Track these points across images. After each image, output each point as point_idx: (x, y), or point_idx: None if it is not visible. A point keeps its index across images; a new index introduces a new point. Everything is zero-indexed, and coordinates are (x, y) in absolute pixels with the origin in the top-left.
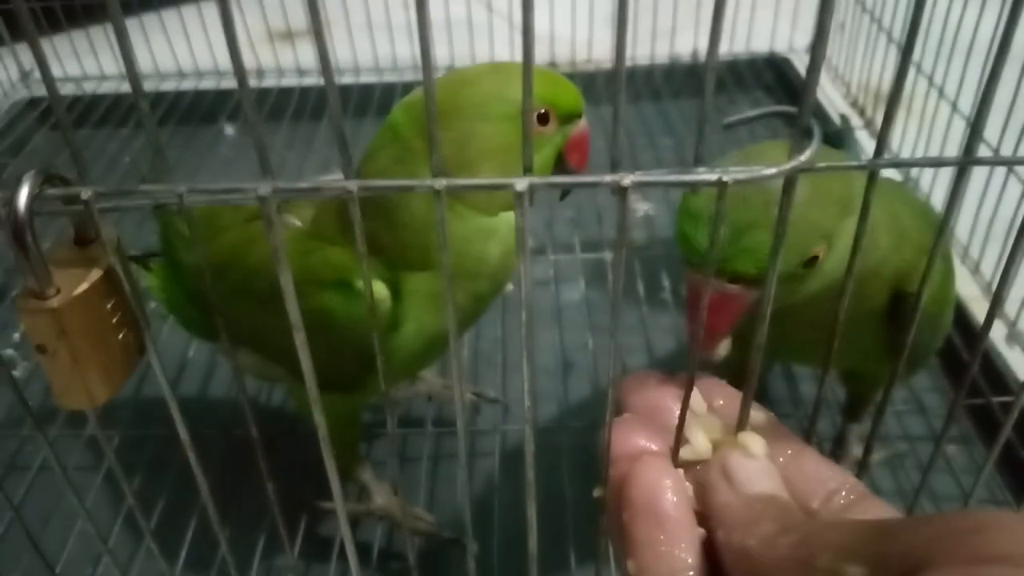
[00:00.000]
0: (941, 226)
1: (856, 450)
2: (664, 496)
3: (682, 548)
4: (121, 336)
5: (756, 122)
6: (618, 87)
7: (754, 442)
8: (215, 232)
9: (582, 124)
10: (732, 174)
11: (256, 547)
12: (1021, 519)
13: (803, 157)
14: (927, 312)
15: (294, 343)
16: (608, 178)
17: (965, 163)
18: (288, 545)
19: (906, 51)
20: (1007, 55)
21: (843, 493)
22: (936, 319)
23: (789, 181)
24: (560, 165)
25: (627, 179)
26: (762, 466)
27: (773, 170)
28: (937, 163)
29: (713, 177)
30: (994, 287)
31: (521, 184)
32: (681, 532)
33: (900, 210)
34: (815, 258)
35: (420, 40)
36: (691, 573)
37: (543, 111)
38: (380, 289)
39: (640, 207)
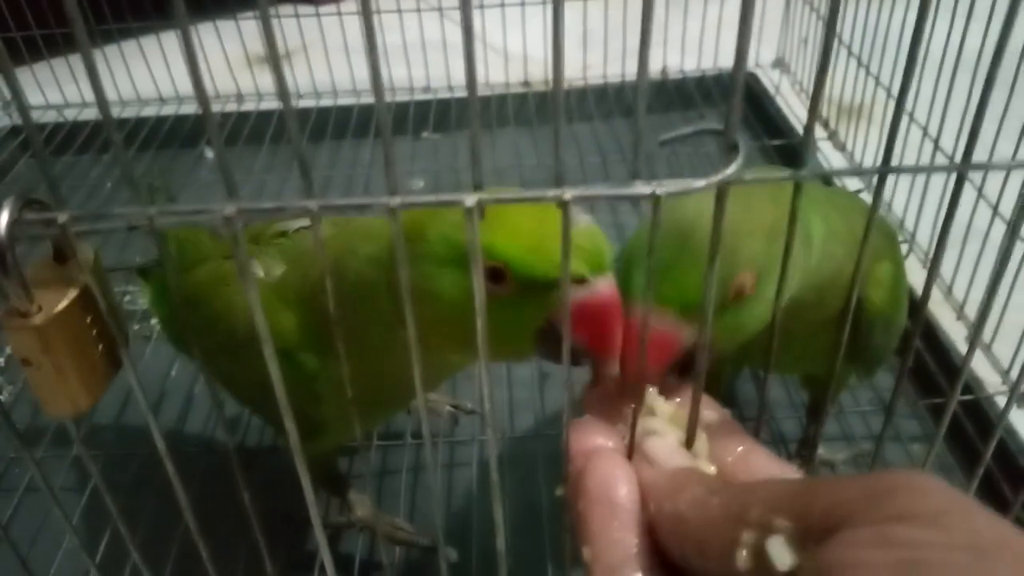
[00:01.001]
0: (865, 232)
1: (821, 450)
2: (616, 486)
3: (634, 534)
4: (101, 347)
5: (695, 138)
6: (556, 108)
7: (663, 426)
8: (197, 260)
9: (593, 288)
10: (665, 187)
11: (239, 561)
12: (933, 481)
13: (730, 170)
14: (881, 314)
15: (248, 389)
16: (551, 193)
17: (883, 172)
18: (268, 559)
19: (825, 49)
20: (913, 73)
21: None
22: (890, 320)
23: (720, 192)
24: (545, 339)
25: (568, 193)
26: (674, 445)
27: (703, 182)
28: (857, 172)
29: (648, 190)
30: (923, 290)
31: (470, 200)
32: (632, 519)
33: (855, 220)
34: (741, 292)
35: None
36: (642, 557)
37: (494, 267)
38: (309, 359)
39: (582, 220)
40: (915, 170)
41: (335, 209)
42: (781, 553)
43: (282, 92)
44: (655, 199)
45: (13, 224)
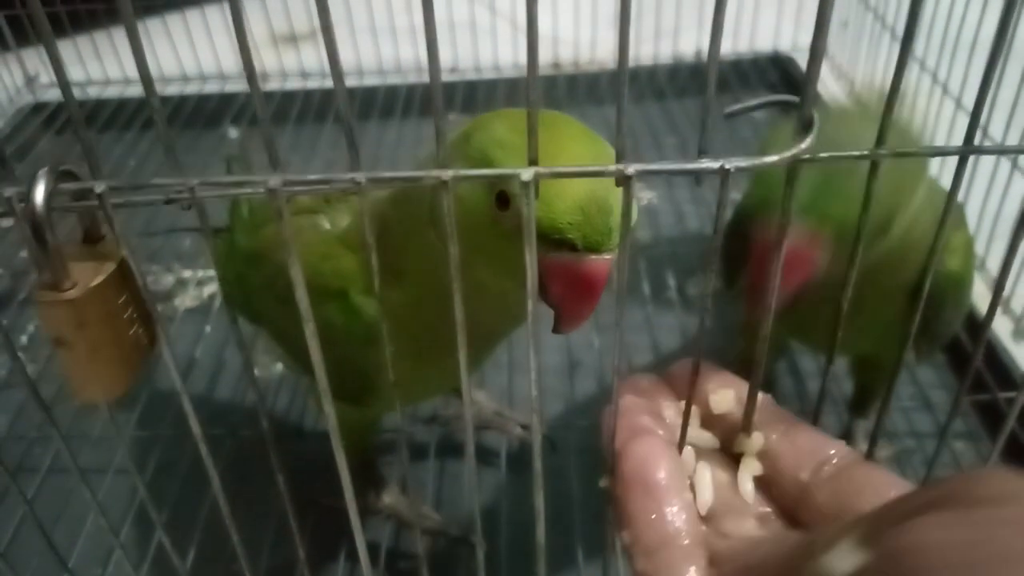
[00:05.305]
0: (947, 203)
1: (863, 446)
2: (654, 467)
3: (673, 514)
4: (132, 331)
5: (758, 111)
6: (621, 79)
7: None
8: (266, 220)
9: (581, 260)
10: (734, 163)
11: (263, 548)
12: (1004, 470)
13: (804, 145)
14: (955, 281)
15: (300, 343)
16: (612, 167)
17: (966, 152)
18: (298, 538)
19: (905, 40)
20: (1006, 39)
21: (834, 461)
22: (961, 291)
23: (792, 169)
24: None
25: (631, 168)
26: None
27: (775, 157)
28: (939, 152)
29: (715, 165)
30: (998, 278)
31: (527, 174)
32: (671, 499)
33: (940, 193)
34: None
35: (427, 38)
36: (685, 540)
37: (505, 192)
38: (367, 302)
39: (644, 196)
40: (999, 151)
41: (383, 181)
42: (841, 560)
43: (333, 60)
44: (723, 173)
45: (50, 194)
